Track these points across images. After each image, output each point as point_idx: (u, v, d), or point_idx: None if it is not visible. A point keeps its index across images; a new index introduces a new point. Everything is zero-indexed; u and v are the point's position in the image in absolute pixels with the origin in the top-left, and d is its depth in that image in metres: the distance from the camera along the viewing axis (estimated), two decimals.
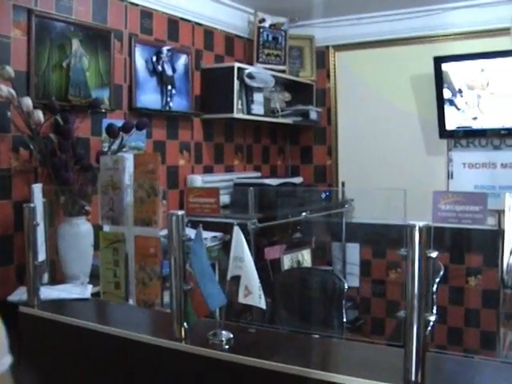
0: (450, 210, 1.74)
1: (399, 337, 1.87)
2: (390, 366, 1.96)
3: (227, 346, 2.23)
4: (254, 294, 2.21)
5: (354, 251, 5.08)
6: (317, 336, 2.54)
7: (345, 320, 3.45)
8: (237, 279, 2.26)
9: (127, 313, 2.79)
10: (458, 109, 4.71)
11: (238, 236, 2.25)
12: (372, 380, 1.87)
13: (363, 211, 4.72)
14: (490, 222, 4.62)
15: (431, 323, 3.64)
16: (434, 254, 1.74)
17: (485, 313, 4.78)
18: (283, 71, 5.13)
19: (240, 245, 2.24)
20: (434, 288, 3.69)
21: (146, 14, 4.07)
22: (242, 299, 2.24)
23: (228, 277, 2.28)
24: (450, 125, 4.75)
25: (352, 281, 5.12)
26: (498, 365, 2.36)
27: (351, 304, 4.99)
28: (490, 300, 4.59)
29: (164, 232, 2.38)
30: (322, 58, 5.46)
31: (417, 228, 1.71)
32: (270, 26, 5.05)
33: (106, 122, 3.60)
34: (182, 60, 4.36)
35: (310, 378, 1.97)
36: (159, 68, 4.12)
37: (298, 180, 5.06)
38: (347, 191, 5.07)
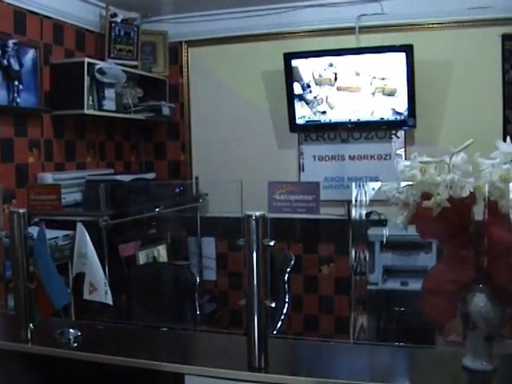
0: (285, 199, 1.79)
1: None
2: (240, 353, 1.99)
3: (75, 344, 2.19)
4: (99, 290, 2.19)
5: (209, 245, 5.13)
6: (167, 329, 2.55)
7: (198, 312, 3.48)
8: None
9: None
10: (308, 103, 4.87)
11: (81, 233, 2.22)
12: (218, 368, 1.89)
13: (217, 205, 4.78)
14: (340, 212, 4.86)
15: (284, 311, 3.75)
16: (272, 243, 1.79)
17: (338, 299, 4.98)
18: (135, 67, 5.07)
19: (84, 241, 2.21)
20: (286, 277, 3.80)
21: None
22: (87, 296, 2.22)
23: (73, 274, 2.25)
24: (300, 119, 4.90)
25: (209, 274, 5.17)
26: (352, 346, 2.47)
27: (209, 297, 5.03)
28: (342, 286, 4.78)
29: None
30: (174, 53, 5.45)
31: (253, 218, 1.75)
32: (122, 20, 4.97)
33: None
34: (30, 54, 4.20)
35: (157, 371, 1.97)
36: (5, 62, 3.96)
37: (151, 176, 5.03)
38: (202, 186, 5.11)
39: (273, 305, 1.82)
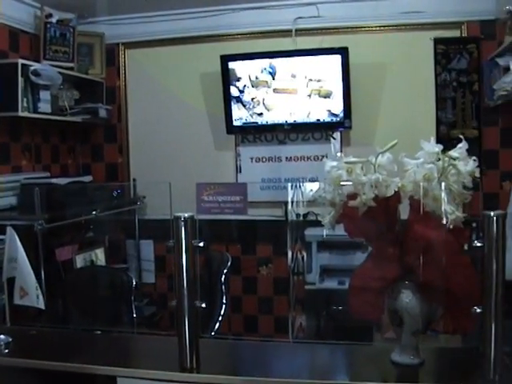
0: (213, 200, 1.81)
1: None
2: (174, 355, 1.99)
3: (6, 350, 2.17)
4: (30, 295, 2.17)
5: (147, 248, 5.11)
6: (100, 332, 2.53)
7: (135, 315, 3.46)
8: None
9: None
10: (244, 105, 4.89)
11: (11, 237, 2.20)
12: (150, 369, 1.90)
13: (155, 207, 4.76)
14: (277, 213, 4.90)
15: (222, 312, 3.76)
16: (201, 244, 1.80)
17: (277, 299, 5.01)
18: (71, 68, 5.00)
19: (14, 246, 2.18)
20: (223, 278, 3.82)
21: None
22: (17, 300, 2.19)
23: (4, 278, 2.22)
24: (237, 121, 4.92)
25: (148, 277, 5.14)
26: (291, 345, 2.50)
27: (148, 300, 5.01)
28: (281, 287, 4.81)
29: None
30: (111, 55, 5.39)
31: (182, 219, 1.76)
32: (58, 21, 4.89)
33: None
34: None
35: (90, 374, 1.96)
36: None
37: (87, 178, 4.98)
38: (140, 188, 5.08)
39: (203, 305, 1.83)
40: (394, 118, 4.81)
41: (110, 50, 5.38)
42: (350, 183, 1.72)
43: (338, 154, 1.80)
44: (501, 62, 4.22)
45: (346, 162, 1.70)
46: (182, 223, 1.76)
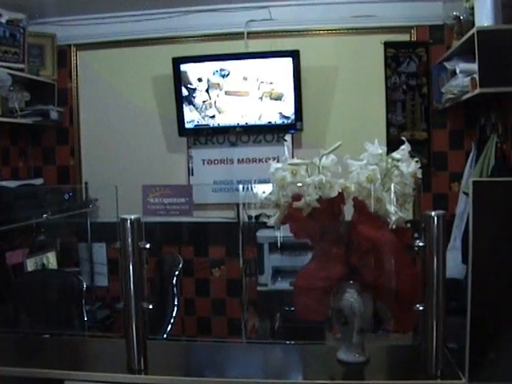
0: (159, 202, 1.81)
1: None
2: (122, 357, 1.99)
3: None
4: None
5: (100, 251, 5.06)
6: (49, 336, 2.52)
7: (86, 319, 3.44)
8: None
9: None
10: (196, 108, 4.90)
11: None
12: (98, 372, 1.90)
13: (107, 210, 4.73)
14: (230, 215, 4.91)
15: (174, 314, 3.76)
16: (148, 246, 1.80)
17: (230, 301, 5.02)
18: (22, 70, 4.94)
19: None
20: (174, 280, 3.82)
21: None
22: None
23: None
24: (189, 123, 4.92)
25: (101, 280, 5.10)
26: (245, 346, 2.52)
27: (101, 303, 4.97)
28: (234, 288, 4.83)
29: None
30: (63, 56, 5.33)
31: (128, 221, 1.77)
32: (8, 21, 4.82)
33: None
34: None
35: (37, 378, 1.95)
36: None
37: (38, 181, 4.93)
38: (92, 191, 5.05)
39: (150, 306, 1.83)
40: (344, 121, 4.88)
41: (61, 51, 5.32)
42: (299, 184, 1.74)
43: (286, 156, 1.83)
44: (448, 65, 4.31)
45: (291, 164, 1.73)
46: (128, 225, 1.77)
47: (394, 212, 1.72)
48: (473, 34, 3.67)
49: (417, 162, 1.79)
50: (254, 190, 4.37)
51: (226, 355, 2.16)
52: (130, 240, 1.77)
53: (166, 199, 1.74)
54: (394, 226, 1.72)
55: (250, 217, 4.32)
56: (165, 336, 3.60)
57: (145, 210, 1.78)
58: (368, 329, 1.88)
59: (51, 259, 4.75)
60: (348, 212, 1.82)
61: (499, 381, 1.73)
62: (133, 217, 1.77)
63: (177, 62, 4.87)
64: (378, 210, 1.74)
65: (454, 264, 3.29)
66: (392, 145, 1.79)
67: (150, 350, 1.93)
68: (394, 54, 4.88)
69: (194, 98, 4.89)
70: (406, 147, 1.80)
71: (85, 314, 3.43)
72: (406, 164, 1.78)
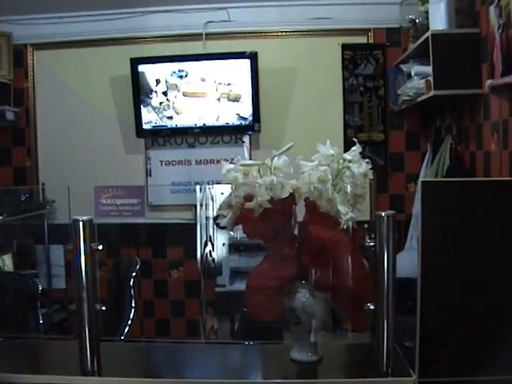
0: (111, 203, 1.81)
1: None
2: (76, 359, 1.97)
3: None
4: None
5: (58, 253, 5.02)
6: (3, 339, 2.49)
7: (42, 322, 3.41)
8: None
9: None
10: (154, 109, 4.89)
11: None
12: (50, 374, 1.88)
13: (65, 212, 4.68)
14: (188, 216, 4.91)
15: (131, 315, 3.75)
16: (100, 247, 1.80)
17: (188, 302, 5.01)
18: None
19: None
20: (131, 282, 3.81)
21: None
22: None
23: None
24: (147, 124, 4.92)
25: (58, 283, 5.05)
26: (204, 346, 2.52)
27: (58, 306, 4.93)
28: (192, 290, 4.81)
29: None
30: (19, 56, 5.25)
31: (80, 222, 1.76)
32: None
33: None
34: None
35: None
36: None
37: None
38: (49, 192, 5.00)
39: (103, 308, 1.83)
40: (302, 122, 4.92)
41: (17, 50, 5.24)
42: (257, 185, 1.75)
43: (237, 157, 1.84)
44: (405, 68, 4.38)
45: (242, 165, 1.74)
46: (81, 226, 1.76)
47: (345, 212, 1.73)
48: (427, 38, 3.73)
49: (368, 162, 1.81)
50: (212, 191, 4.41)
51: (184, 356, 2.16)
52: (81, 241, 1.76)
53: (119, 200, 1.74)
54: (345, 227, 1.74)
55: (207, 218, 4.33)
56: (122, 338, 3.58)
57: (97, 211, 1.78)
58: (324, 328, 1.90)
59: (7, 262, 4.70)
60: (300, 212, 1.84)
61: (448, 377, 1.76)
62: (85, 218, 1.77)
63: (135, 62, 4.86)
64: (330, 211, 1.76)
65: (411, 263, 3.33)
66: (349, 146, 1.81)
67: (106, 351, 1.92)
68: (352, 56, 4.94)
69: (152, 98, 4.88)
70: (357, 148, 1.82)
71: (40, 317, 3.40)
72: (358, 165, 1.79)
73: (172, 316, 5.10)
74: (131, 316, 3.70)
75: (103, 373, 1.86)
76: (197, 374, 1.93)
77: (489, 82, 3.44)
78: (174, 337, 5.01)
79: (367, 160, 1.83)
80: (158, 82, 4.86)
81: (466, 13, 3.75)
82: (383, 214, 1.75)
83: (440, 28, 3.69)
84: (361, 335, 2.08)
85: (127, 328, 3.66)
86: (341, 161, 1.80)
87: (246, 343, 2.38)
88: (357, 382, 1.81)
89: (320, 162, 1.80)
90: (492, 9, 3.34)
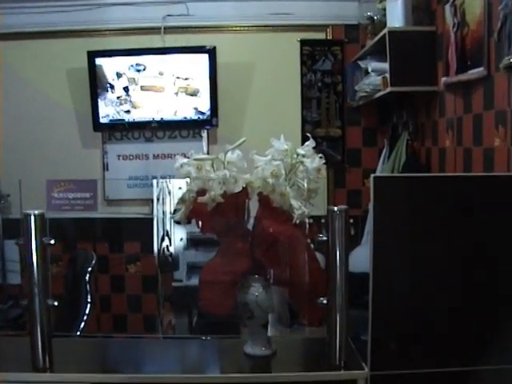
0: (64, 197, 1.79)
1: None
2: (28, 355, 1.95)
3: None
4: None
5: (13, 248, 4.93)
6: None
7: None
8: None
9: None
10: (111, 102, 4.84)
11: None
12: (1, 372, 1.85)
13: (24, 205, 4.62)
14: (145, 211, 4.89)
15: (87, 311, 3.72)
16: (52, 241, 1.78)
17: (145, 297, 4.99)
18: None
19: None
20: (87, 277, 3.78)
21: None
22: None
23: None
24: (104, 118, 4.86)
25: (14, 278, 4.98)
26: (161, 341, 2.51)
27: (13, 302, 4.86)
28: (149, 285, 4.80)
29: None
30: None
31: (32, 216, 1.74)
32: None
33: None
34: None
35: None
36: None
37: None
38: (4, 187, 4.92)
39: (55, 303, 1.81)
40: (260, 117, 4.92)
41: None
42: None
43: (191, 152, 1.84)
44: (362, 64, 4.41)
45: (196, 159, 1.74)
46: (32, 221, 1.74)
47: (298, 207, 1.74)
48: (385, 35, 3.76)
49: (321, 157, 1.82)
50: (169, 186, 4.40)
51: (141, 351, 2.14)
52: (33, 236, 1.74)
53: (71, 194, 1.73)
54: (298, 221, 1.74)
55: (164, 212, 4.32)
56: (78, 333, 3.55)
57: (49, 205, 1.76)
58: (280, 323, 1.91)
59: None
60: (253, 207, 1.84)
61: (399, 370, 1.78)
62: (36, 212, 1.75)
63: (92, 55, 4.80)
64: (283, 205, 1.76)
65: (367, 258, 3.36)
66: (307, 141, 1.82)
67: (61, 347, 1.91)
68: (310, 52, 4.96)
69: (109, 92, 4.83)
70: (310, 143, 1.83)
71: None
72: (311, 159, 1.81)
73: (129, 311, 5.07)
74: (87, 311, 3.67)
75: (57, 369, 1.85)
76: (153, 369, 1.93)
77: (444, 79, 3.48)
78: (131, 332, 4.97)
79: (320, 155, 1.84)
80: (115, 75, 4.80)
81: (422, 11, 3.79)
82: (336, 208, 1.77)
83: (397, 25, 3.73)
84: (317, 329, 2.09)
85: (83, 323, 3.63)
86: (294, 155, 1.81)
87: (203, 338, 2.38)
88: (309, 376, 1.82)
89: (274, 156, 1.81)
90: (448, 8, 3.38)
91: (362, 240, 4.27)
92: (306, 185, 1.80)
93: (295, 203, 1.75)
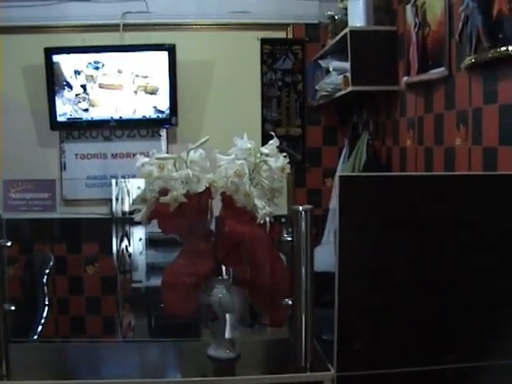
0: (21, 198, 1.74)
1: None
2: None
3: None
4: None
5: None
6: None
7: None
8: None
9: None
10: (69, 100, 4.76)
11: None
12: None
13: None
14: (104, 211, 4.82)
15: (45, 314, 3.65)
16: (9, 244, 1.72)
17: (104, 299, 4.91)
18: None
19: None
20: (45, 279, 3.71)
21: None
22: None
23: None
24: (61, 116, 4.78)
25: None
26: (121, 344, 2.46)
27: None
28: (108, 286, 4.73)
29: None
30: None
31: None
32: None
33: None
34: None
35: None
36: None
37: None
38: None
39: (12, 308, 1.75)
40: (220, 116, 4.89)
41: None
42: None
43: (153, 151, 1.80)
44: (323, 63, 4.41)
45: (158, 158, 1.70)
46: None
47: (262, 207, 1.72)
48: (346, 34, 3.77)
49: (285, 156, 1.80)
50: (128, 185, 4.34)
51: (101, 355, 2.10)
52: None
53: (28, 194, 1.67)
54: (261, 221, 1.72)
55: (123, 212, 4.26)
56: (35, 338, 3.48)
57: (6, 206, 1.70)
58: (242, 324, 1.88)
59: None
60: (216, 207, 1.81)
61: (366, 370, 1.77)
62: None
63: (49, 52, 4.72)
64: (246, 205, 1.73)
65: (329, 258, 3.36)
66: (267, 141, 1.81)
67: (18, 353, 1.85)
68: (270, 51, 4.95)
69: (67, 90, 4.75)
70: (274, 142, 1.80)
71: None
72: (275, 159, 1.78)
73: (88, 313, 4.98)
74: (45, 314, 3.60)
75: (13, 376, 1.78)
76: (113, 373, 1.89)
77: (405, 78, 3.50)
78: (90, 335, 4.89)
79: (284, 154, 1.82)
80: (73, 72, 4.72)
81: (383, 11, 3.81)
82: (300, 208, 1.74)
83: (358, 25, 3.73)
84: (280, 330, 2.07)
85: (41, 327, 3.56)
86: (258, 155, 1.79)
87: (164, 340, 2.34)
88: (275, 378, 1.80)
89: (237, 155, 1.78)
90: (409, 8, 3.40)
91: (322, 239, 4.27)
92: (269, 184, 1.77)
93: (259, 203, 1.72)
